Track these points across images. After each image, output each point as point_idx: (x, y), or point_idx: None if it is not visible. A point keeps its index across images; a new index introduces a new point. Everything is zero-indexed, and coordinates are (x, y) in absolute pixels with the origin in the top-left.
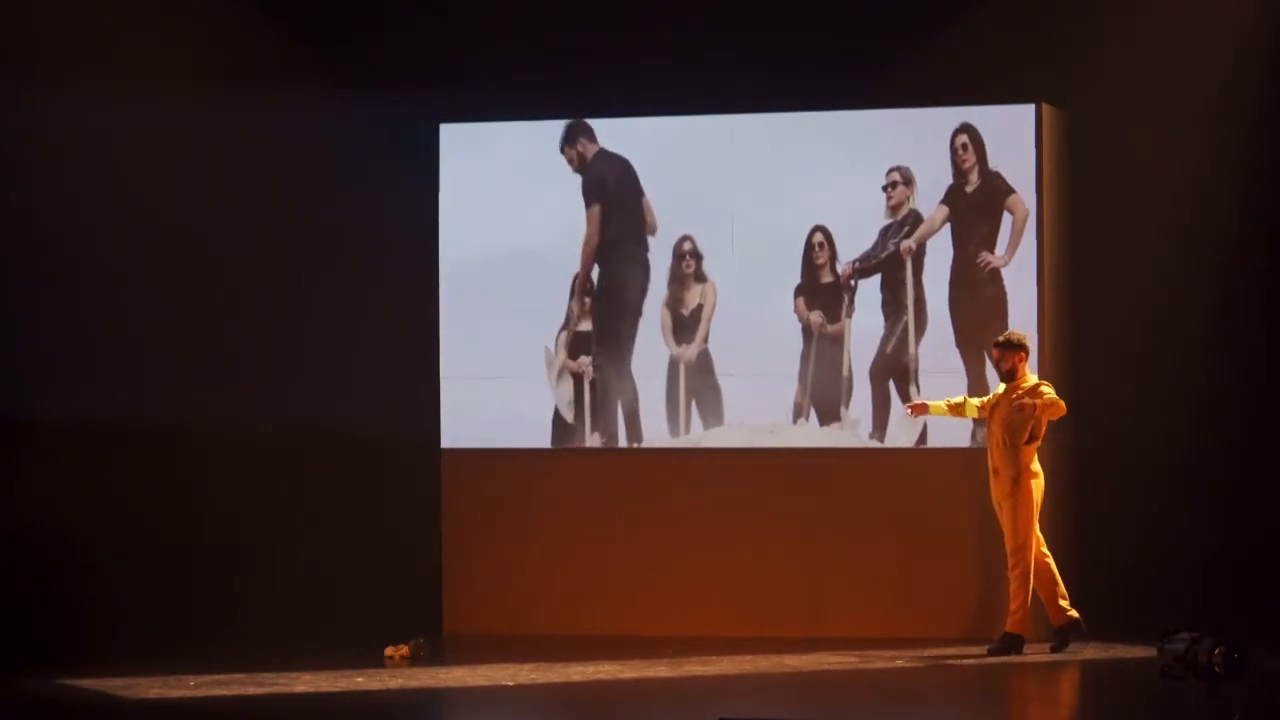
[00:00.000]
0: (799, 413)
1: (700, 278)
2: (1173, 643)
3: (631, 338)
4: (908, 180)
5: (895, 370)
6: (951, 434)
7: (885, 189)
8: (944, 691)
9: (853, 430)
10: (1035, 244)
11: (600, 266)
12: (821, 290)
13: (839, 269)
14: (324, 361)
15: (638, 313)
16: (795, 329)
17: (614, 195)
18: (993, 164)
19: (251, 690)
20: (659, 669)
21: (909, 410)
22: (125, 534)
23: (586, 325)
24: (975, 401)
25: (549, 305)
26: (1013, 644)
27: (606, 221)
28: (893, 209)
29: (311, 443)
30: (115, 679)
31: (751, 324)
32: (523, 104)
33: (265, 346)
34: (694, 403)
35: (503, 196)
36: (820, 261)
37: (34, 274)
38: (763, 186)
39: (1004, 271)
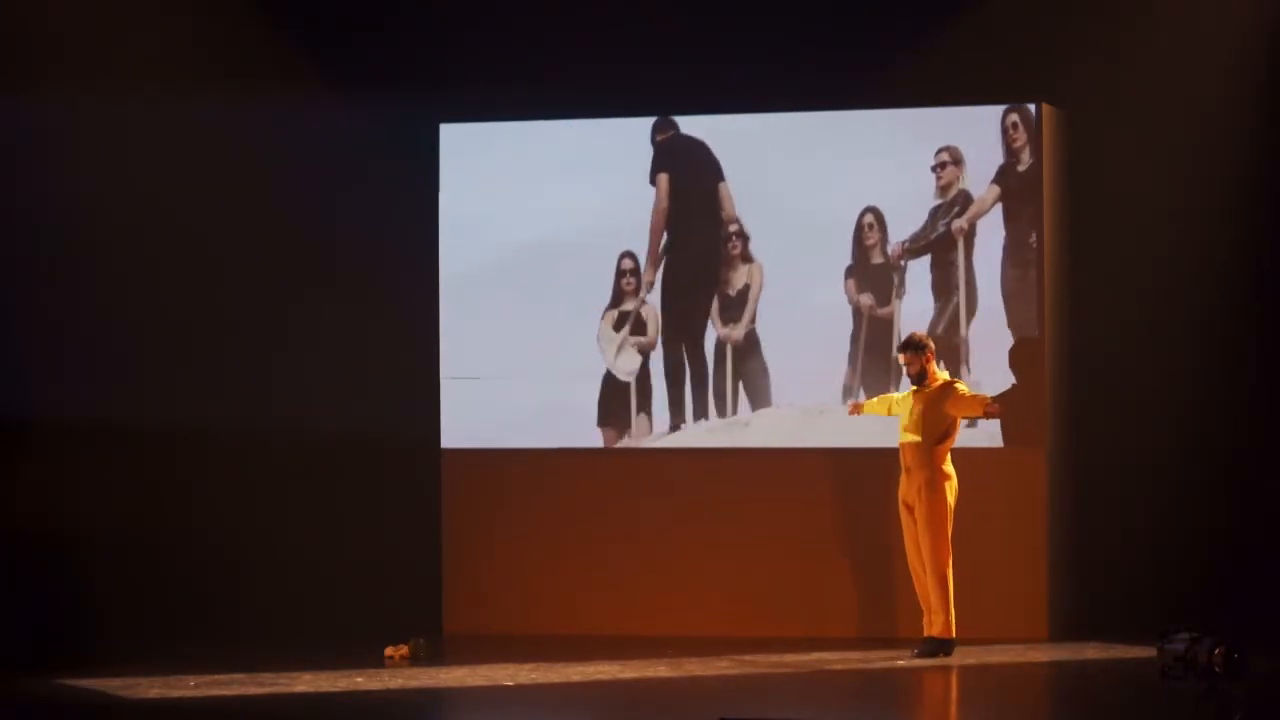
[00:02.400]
0: (848, 394)
1: (747, 258)
2: (1173, 643)
3: (705, 315)
4: (957, 160)
5: (945, 352)
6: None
7: (934, 169)
8: (944, 691)
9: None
10: (1035, 244)
11: (670, 241)
12: (872, 271)
13: (889, 250)
14: (324, 361)
15: (709, 292)
16: (845, 310)
17: (685, 169)
18: (993, 164)
19: (251, 690)
20: (659, 669)
21: (850, 411)
22: (125, 534)
23: (630, 305)
24: (894, 396)
25: (549, 305)
26: (940, 647)
27: (676, 193)
28: (942, 189)
29: (312, 443)
30: (115, 679)
31: (800, 305)
32: (523, 104)
33: (265, 346)
34: (741, 384)
35: (503, 196)
36: (870, 242)
37: (34, 274)
38: (810, 171)
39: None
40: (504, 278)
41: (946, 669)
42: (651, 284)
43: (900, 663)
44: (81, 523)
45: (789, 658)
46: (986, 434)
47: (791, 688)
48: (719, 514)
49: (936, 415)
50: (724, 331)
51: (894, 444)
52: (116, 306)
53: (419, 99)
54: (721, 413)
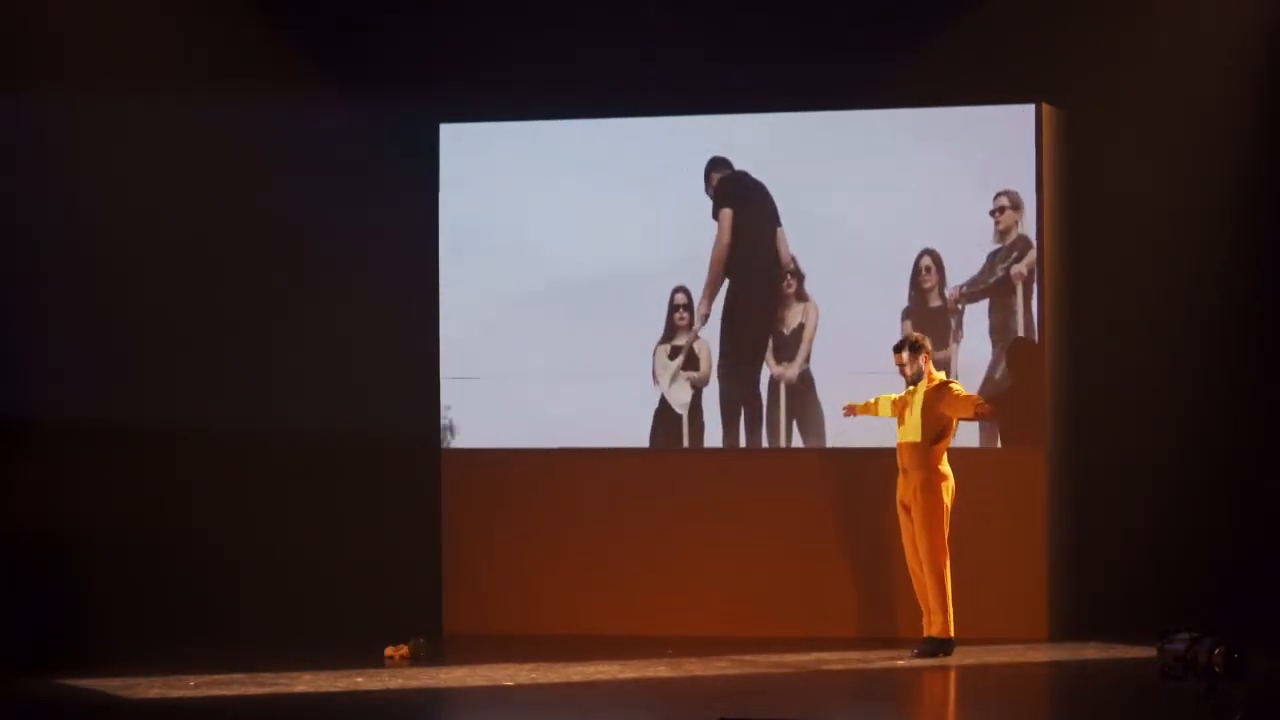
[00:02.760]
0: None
1: (801, 297)
2: (1173, 643)
3: (760, 352)
4: (1016, 205)
5: (1003, 396)
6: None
7: (993, 213)
8: (944, 692)
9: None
10: (1035, 244)
11: (729, 278)
12: (929, 314)
13: (947, 293)
14: (324, 361)
15: (764, 330)
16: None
17: (747, 206)
18: (993, 164)
19: (251, 690)
20: (659, 669)
21: (845, 412)
22: (125, 534)
23: (682, 340)
24: (890, 398)
25: (549, 305)
26: (939, 647)
27: (739, 229)
28: (1001, 234)
29: (312, 443)
30: (115, 679)
31: (856, 345)
32: (523, 104)
33: (265, 346)
34: (795, 421)
35: (503, 196)
36: (928, 285)
37: (34, 274)
38: (867, 209)
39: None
40: (505, 277)
41: (946, 669)
42: (706, 316)
43: (900, 663)
44: (81, 523)
45: (789, 658)
46: (985, 434)
47: (791, 688)
48: (719, 514)
49: (933, 415)
50: (778, 370)
51: (894, 444)
52: (116, 306)
53: (419, 99)
54: (775, 449)
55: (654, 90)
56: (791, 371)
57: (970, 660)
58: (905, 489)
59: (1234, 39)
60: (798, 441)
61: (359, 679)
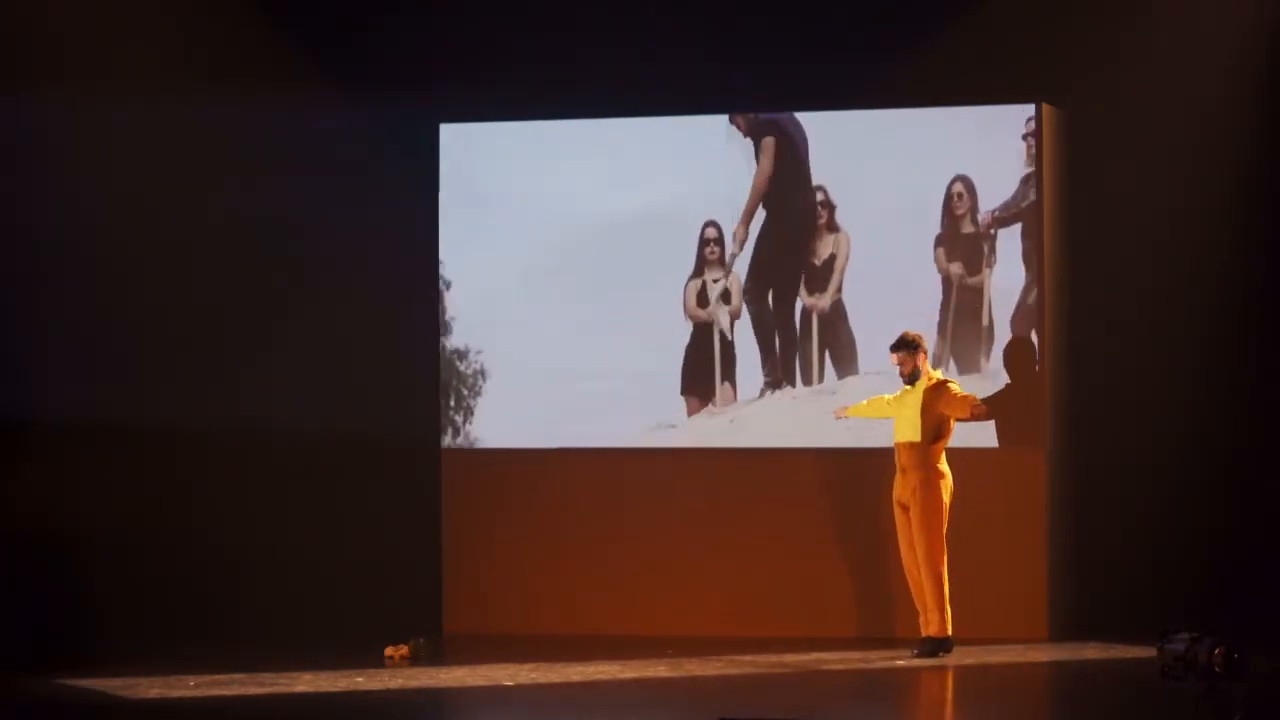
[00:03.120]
0: (938, 363)
1: (832, 228)
2: (1173, 643)
3: (794, 283)
4: None
5: (1036, 321)
6: (954, 432)
7: (1025, 137)
8: (944, 692)
9: (993, 380)
10: (1036, 244)
11: (765, 209)
12: (962, 240)
13: (980, 219)
14: (324, 361)
15: (797, 261)
16: (934, 280)
17: (785, 135)
18: (993, 164)
19: (251, 690)
20: (659, 669)
21: (835, 415)
22: (126, 534)
23: (717, 275)
24: (885, 398)
25: (550, 304)
26: (938, 646)
27: (781, 157)
28: (1033, 157)
29: (312, 443)
30: (115, 679)
31: (888, 275)
32: (523, 104)
33: (265, 346)
34: (827, 353)
35: (503, 196)
36: (960, 211)
37: (34, 274)
38: (896, 142)
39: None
40: (505, 276)
41: (947, 669)
42: (744, 242)
43: (900, 663)
44: (81, 523)
45: (789, 658)
46: (985, 434)
47: (791, 688)
48: (719, 514)
49: (932, 415)
50: (810, 301)
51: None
52: (116, 306)
53: (419, 99)
54: (808, 381)
55: (654, 90)
56: (823, 302)
57: (970, 660)
58: (903, 488)
59: (1234, 39)
60: (830, 373)
61: (359, 679)
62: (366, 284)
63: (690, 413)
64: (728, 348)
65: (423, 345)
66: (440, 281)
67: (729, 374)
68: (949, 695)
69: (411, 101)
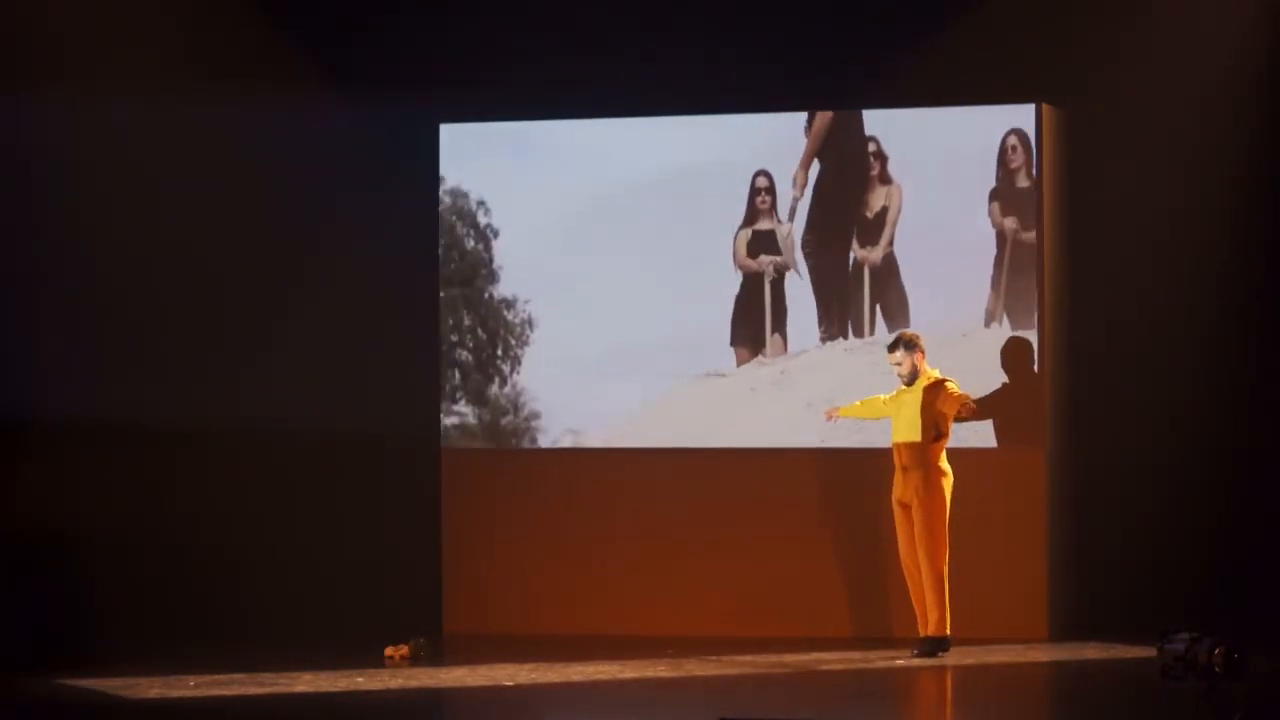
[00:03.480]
0: (990, 318)
1: (885, 179)
2: (1173, 643)
3: (847, 235)
4: None
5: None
6: (953, 432)
7: None
8: (944, 692)
9: None
10: (1036, 244)
11: (819, 160)
12: (1016, 194)
13: (1034, 173)
14: (324, 362)
15: (850, 213)
16: (987, 234)
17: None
18: (994, 164)
19: (251, 690)
20: (659, 669)
21: (827, 416)
22: (125, 534)
23: (767, 224)
24: (881, 398)
25: (598, 254)
26: (938, 645)
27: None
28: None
29: (312, 443)
30: (115, 679)
31: (941, 229)
32: (523, 104)
33: (265, 346)
34: (879, 306)
35: (502, 196)
36: (1015, 165)
37: (34, 274)
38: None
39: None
40: (504, 277)
41: (946, 669)
42: (804, 186)
43: (899, 663)
44: (81, 523)
45: (788, 658)
46: (984, 434)
47: (791, 688)
48: (719, 514)
49: (931, 414)
50: (862, 253)
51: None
52: (116, 306)
53: (419, 99)
54: (859, 333)
55: (654, 90)
56: (875, 255)
57: (970, 660)
58: (904, 488)
59: (1234, 39)
60: (881, 326)
61: (359, 679)
62: (366, 284)
63: (740, 363)
64: (779, 298)
65: (423, 345)
66: (439, 281)
67: (779, 325)
68: (949, 695)
69: (411, 101)
